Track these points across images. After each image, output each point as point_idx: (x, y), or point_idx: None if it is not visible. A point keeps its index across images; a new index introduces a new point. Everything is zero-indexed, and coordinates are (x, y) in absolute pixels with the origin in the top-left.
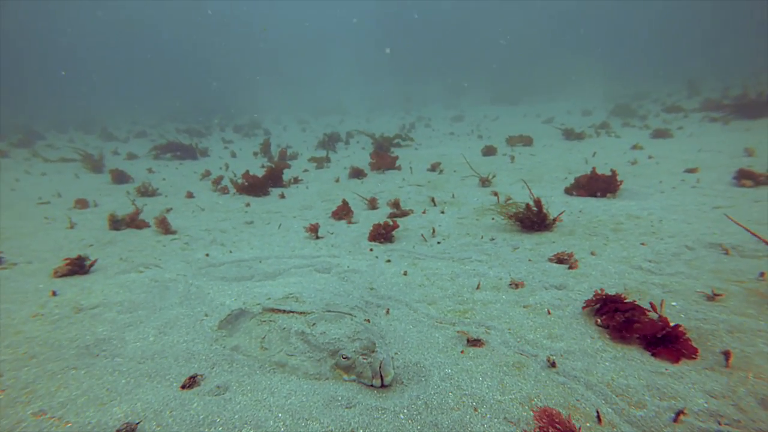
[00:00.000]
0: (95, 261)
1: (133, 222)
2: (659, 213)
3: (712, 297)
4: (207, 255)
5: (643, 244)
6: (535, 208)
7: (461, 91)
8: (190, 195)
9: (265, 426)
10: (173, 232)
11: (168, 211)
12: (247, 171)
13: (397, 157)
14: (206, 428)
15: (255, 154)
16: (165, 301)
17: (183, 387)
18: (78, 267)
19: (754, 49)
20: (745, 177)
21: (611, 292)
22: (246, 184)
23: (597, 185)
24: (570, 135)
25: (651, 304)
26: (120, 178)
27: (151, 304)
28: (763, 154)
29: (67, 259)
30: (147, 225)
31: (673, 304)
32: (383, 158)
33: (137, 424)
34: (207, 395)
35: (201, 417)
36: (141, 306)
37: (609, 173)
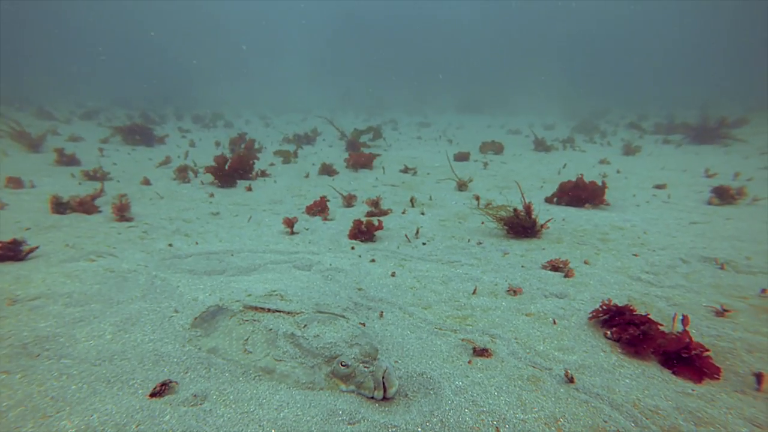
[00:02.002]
0: (36, 247)
1: (83, 206)
2: (642, 225)
3: (722, 313)
4: (170, 245)
5: (635, 255)
6: (523, 213)
7: (425, 98)
8: (146, 182)
9: None
10: (129, 219)
11: (122, 197)
12: (219, 156)
13: (374, 156)
14: None
15: (217, 144)
16: (123, 294)
17: (152, 395)
18: (11, 252)
19: (702, 82)
20: (721, 193)
21: (615, 302)
22: (215, 166)
23: (583, 193)
24: (539, 146)
25: (684, 318)
26: (66, 159)
27: (106, 297)
28: (721, 176)
29: None
30: (97, 210)
31: (681, 318)
32: (360, 155)
33: None
34: (182, 405)
35: None
36: (94, 299)
37: (596, 183)
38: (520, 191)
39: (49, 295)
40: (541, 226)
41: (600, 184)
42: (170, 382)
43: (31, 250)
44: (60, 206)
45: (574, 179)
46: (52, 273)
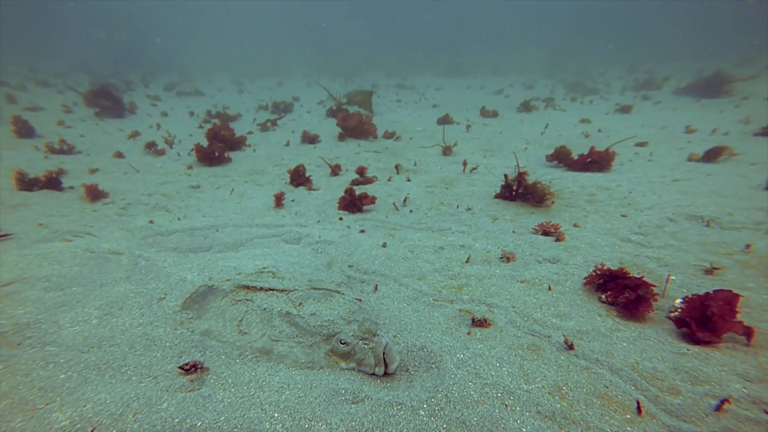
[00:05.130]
0: (9, 234)
1: (51, 182)
2: (627, 185)
3: (711, 271)
4: (151, 222)
5: (623, 215)
6: (512, 179)
7: (406, 62)
8: (118, 155)
9: (260, 430)
10: (104, 195)
11: (93, 171)
12: (207, 147)
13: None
14: None
15: (191, 114)
16: (106, 276)
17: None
18: None
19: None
20: (718, 153)
21: (608, 267)
22: (204, 152)
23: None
24: (523, 107)
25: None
26: (25, 130)
27: (88, 280)
28: (701, 131)
29: None
30: (69, 187)
31: (673, 278)
32: (349, 117)
33: None
34: (179, 391)
35: (176, 420)
36: (75, 282)
37: (602, 150)
38: (517, 162)
39: (25, 279)
40: (542, 196)
41: (587, 145)
42: (201, 365)
43: (3, 236)
44: (26, 183)
45: (553, 141)
46: (26, 255)
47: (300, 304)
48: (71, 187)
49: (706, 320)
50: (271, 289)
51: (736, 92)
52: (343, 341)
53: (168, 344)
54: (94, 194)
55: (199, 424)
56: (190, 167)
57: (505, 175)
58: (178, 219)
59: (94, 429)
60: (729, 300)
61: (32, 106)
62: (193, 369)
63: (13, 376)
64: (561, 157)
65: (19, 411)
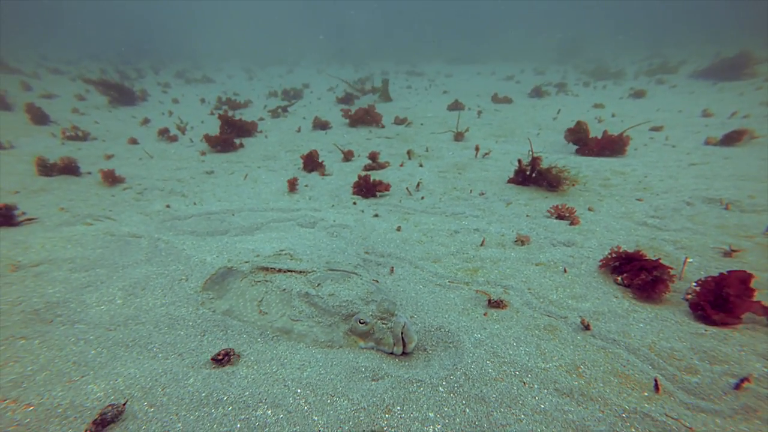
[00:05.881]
0: (34, 218)
1: (69, 168)
2: (642, 169)
3: (729, 253)
4: (168, 206)
5: (639, 199)
6: (526, 163)
7: (417, 49)
8: (133, 141)
9: (285, 404)
10: (121, 180)
11: (109, 157)
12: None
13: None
14: (212, 408)
15: (202, 101)
16: (127, 258)
17: (216, 361)
18: (4, 218)
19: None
20: (737, 136)
21: (624, 249)
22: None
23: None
24: (534, 93)
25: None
26: (41, 117)
27: (110, 262)
28: (719, 115)
29: None
30: (87, 172)
31: (691, 260)
32: (368, 113)
33: (124, 404)
34: (204, 368)
35: (203, 395)
36: (98, 263)
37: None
38: (531, 147)
39: (52, 261)
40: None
41: (600, 129)
42: (232, 352)
43: (29, 220)
44: (46, 168)
45: (566, 126)
46: (50, 238)
47: (318, 284)
48: (89, 173)
49: (722, 302)
50: (289, 271)
51: (758, 74)
52: (362, 321)
53: (191, 323)
54: (111, 179)
55: (225, 398)
56: (203, 153)
57: (519, 160)
58: (194, 203)
59: (127, 401)
60: (743, 279)
61: (46, 93)
62: (225, 358)
63: (49, 350)
64: (578, 135)
65: (58, 382)
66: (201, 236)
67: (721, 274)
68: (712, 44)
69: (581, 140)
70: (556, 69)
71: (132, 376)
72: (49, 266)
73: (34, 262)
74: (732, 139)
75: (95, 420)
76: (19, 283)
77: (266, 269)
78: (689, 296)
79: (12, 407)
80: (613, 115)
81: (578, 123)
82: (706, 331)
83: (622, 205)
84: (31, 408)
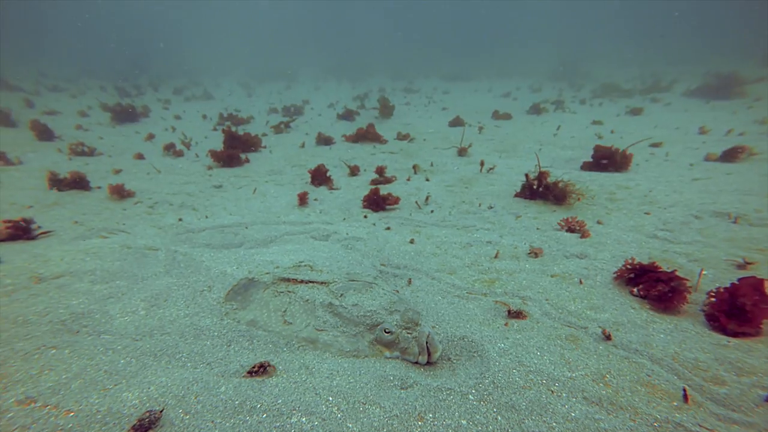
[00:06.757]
0: (50, 231)
1: (80, 182)
2: (646, 184)
3: (744, 265)
4: (180, 220)
5: (647, 213)
6: (533, 178)
7: (413, 64)
8: (139, 156)
9: (318, 412)
10: (131, 195)
11: (117, 172)
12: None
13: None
14: (247, 416)
15: (204, 117)
16: (146, 270)
17: (250, 374)
18: (22, 231)
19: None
20: (737, 152)
21: (639, 261)
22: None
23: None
24: (533, 110)
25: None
26: (46, 134)
27: (130, 274)
28: (715, 132)
29: (7, 221)
30: (97, 187)
31: (705, 273)
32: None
33: (161, 411)
34: (234, 377)
35: (236, 402)
36: (118, 275)
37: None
38: (538, 162)
39: (72, 273)
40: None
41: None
42: (268, 365)
43: (45, 233)
44: (57, 182)
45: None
46: (68, 251)
47: (341, 295)
48: (98, 187)
49: (738, 312)
50: (311, 281)
51: (747, 94)
52: (387, 330)
53: (216, 333)
54: (121, 194)
55: (259, 406)
56: (209, 168)
57: (527, 175)
58: (206, 217)
59: (164, 408)
60: (755, 285)
61: (49, 110)
62: (261, 370)
63: (80, 359)
64: (603, 152)
65: (93, 389)
66: (217, 248)
67: (733, 283)
68: (702, 65)
69: (607, 156)
70: (552, 86)
71: (164, 385)
72: (71, 278)
73: (55, 275)
74: (731, 155)
75: (134, 426)
76: (43, 295)
77: (288, 280)
78: (706, 307)
79: (54, 413)
80: (612, 132)
81: (598, 147)
82: (729, 342)
83: (630, 219)
84: (72, 414)
